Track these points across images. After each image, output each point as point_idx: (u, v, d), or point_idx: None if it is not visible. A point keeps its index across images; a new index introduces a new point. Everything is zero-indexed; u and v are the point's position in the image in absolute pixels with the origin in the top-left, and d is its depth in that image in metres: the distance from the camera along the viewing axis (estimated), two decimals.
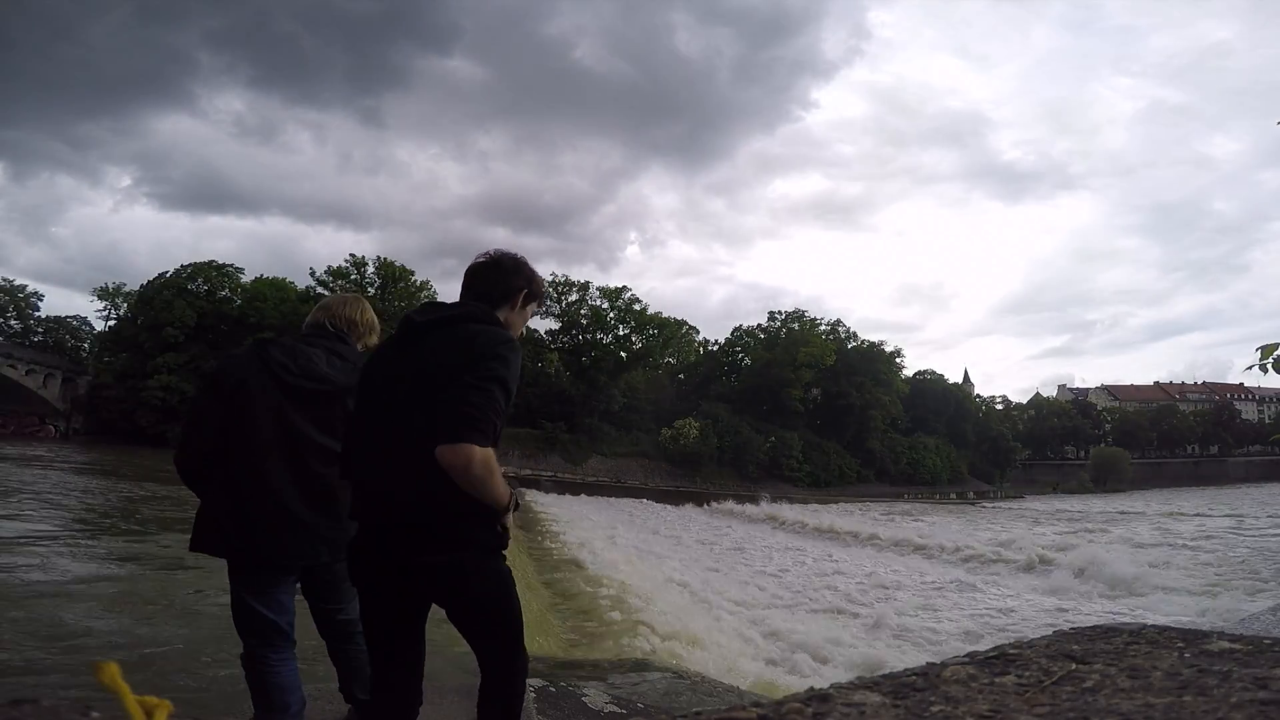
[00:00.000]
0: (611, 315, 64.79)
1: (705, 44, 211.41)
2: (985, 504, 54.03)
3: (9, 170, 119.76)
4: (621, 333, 65.56)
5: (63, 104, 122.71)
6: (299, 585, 2.49)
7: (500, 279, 2.01)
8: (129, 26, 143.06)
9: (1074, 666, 0.57)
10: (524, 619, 1.94)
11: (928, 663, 0.61)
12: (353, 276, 58.96)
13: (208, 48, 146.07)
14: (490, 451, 1.71)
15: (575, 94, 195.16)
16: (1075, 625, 0.73)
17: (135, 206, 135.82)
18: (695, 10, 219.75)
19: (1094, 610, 11.78)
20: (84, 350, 62.07)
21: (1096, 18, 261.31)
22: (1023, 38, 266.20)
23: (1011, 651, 0.63)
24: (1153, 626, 0.68)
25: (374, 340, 2.69)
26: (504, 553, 1.85)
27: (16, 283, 62.29)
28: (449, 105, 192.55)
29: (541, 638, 6.24)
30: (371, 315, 2.73)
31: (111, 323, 59.18)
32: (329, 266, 59.33)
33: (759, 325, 70.23)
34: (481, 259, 2.05)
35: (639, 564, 14.96)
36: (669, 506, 41.28)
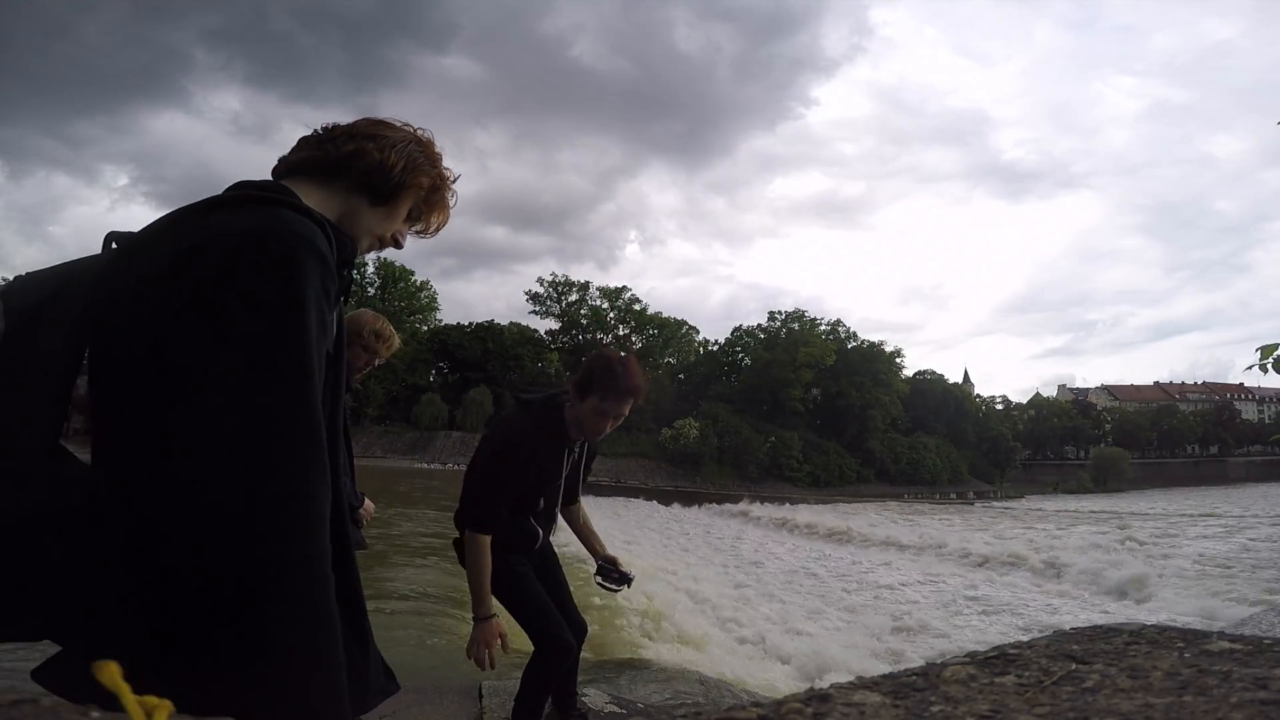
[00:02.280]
0: (611, 315, 64.93)
1: (705, 40, 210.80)
2: (985, 503, 53.97)
3: (5, 169, 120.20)
4: (621, 333, 65.64)
5: (57, 102, 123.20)
6: None
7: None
8: (124, 23, 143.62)
9: (1074, 666, 0.56)
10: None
11: (927, 663, 0.61)
12: (353, 276, 58.92)
13: (203, 45, 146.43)
14: (471, 536, 2.35)
15: (574, 91, 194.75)
16: (1076, 625, 0.73)
17: (132, 205, 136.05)
18: (694, 6, 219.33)
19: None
20: None
21: (1098, 16, 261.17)
22: (1025, 36, 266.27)
23: (1011, 651, 0.63)
24: (1153, 626, 0.68)
25: (375, 345, 2.75)
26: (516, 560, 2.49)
27: None
28: (446, 103, 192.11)
29: None
30: (365, 323, 2.74)
31: None
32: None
33: (759, 325, 70.39)
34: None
35: (639, 564, 14.97)
36: (672, 507, 41.30)
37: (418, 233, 1.17)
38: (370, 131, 1.06)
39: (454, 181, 1.15)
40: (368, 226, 1.07)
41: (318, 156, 1.04)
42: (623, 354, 2.43)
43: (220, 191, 0.95)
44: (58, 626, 0.83)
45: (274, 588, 0.77)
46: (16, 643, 0.83)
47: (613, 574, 2.74)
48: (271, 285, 0.81)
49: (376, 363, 2.78)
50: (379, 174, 1.04)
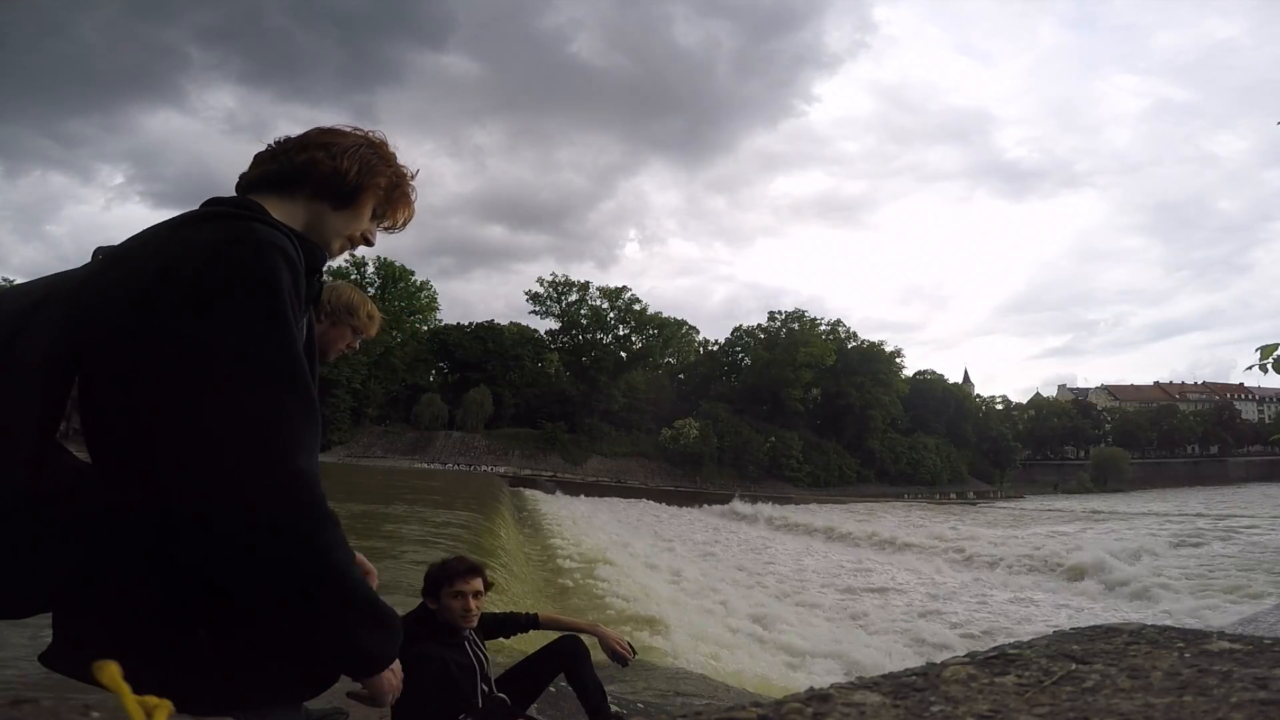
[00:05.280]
0: (611, 315, 64.84)
1: (704, 36, 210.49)
2: (988, 504, 53.94)
3: (1, 168, 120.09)
4: (621, 333, 65.61)
5: (52, 101, 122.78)
6: None
7: None
8: (119, 22, 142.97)
9: (1074, 666, 0.57)
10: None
11: (928, 663, 0.61)
12: (353, 276, 58.92)
13: (198, 43, 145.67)
14: None
15: (572, 88, 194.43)
16: (1076, 625, 0.73)
17: (128, 204, 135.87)
18: (694, 2, 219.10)
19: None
20: None
21: (1101, 15, 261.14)
22: (1028, 35, 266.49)
23: (1011, 651, 0.64)
24: (1153, 626, 0.69)
25: (368, 326, 2.28)
26: None
27: (16, 282, 62.23)
28: (444, 100, 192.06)
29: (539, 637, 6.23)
30: (358, 304, 2.32)
31: None
32: (328, 266, 59.21)
33: (759, 325, 70.35)
34: None
35: (638, 564, 14.96)
36: (673, 507, 41.27)
37: (386, 229, 1.22)
38: (320, 140, 1.11)
39: (413, 177, 1.20)
40: (335, 230, 1.12)
41: (273, 170, 1.09)
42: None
43: (211, 191, 1.04)
44: (52, 606, 0.91)
45: (314, 544, 0.87)
46: (10, 619, 0.90)
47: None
48: (252, 286, 0.89)
49: (356, 345, 2.37)
50: (335, 180, 1.09)
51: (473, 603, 2.69)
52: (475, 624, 2.76)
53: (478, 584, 2.72)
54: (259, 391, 0.86)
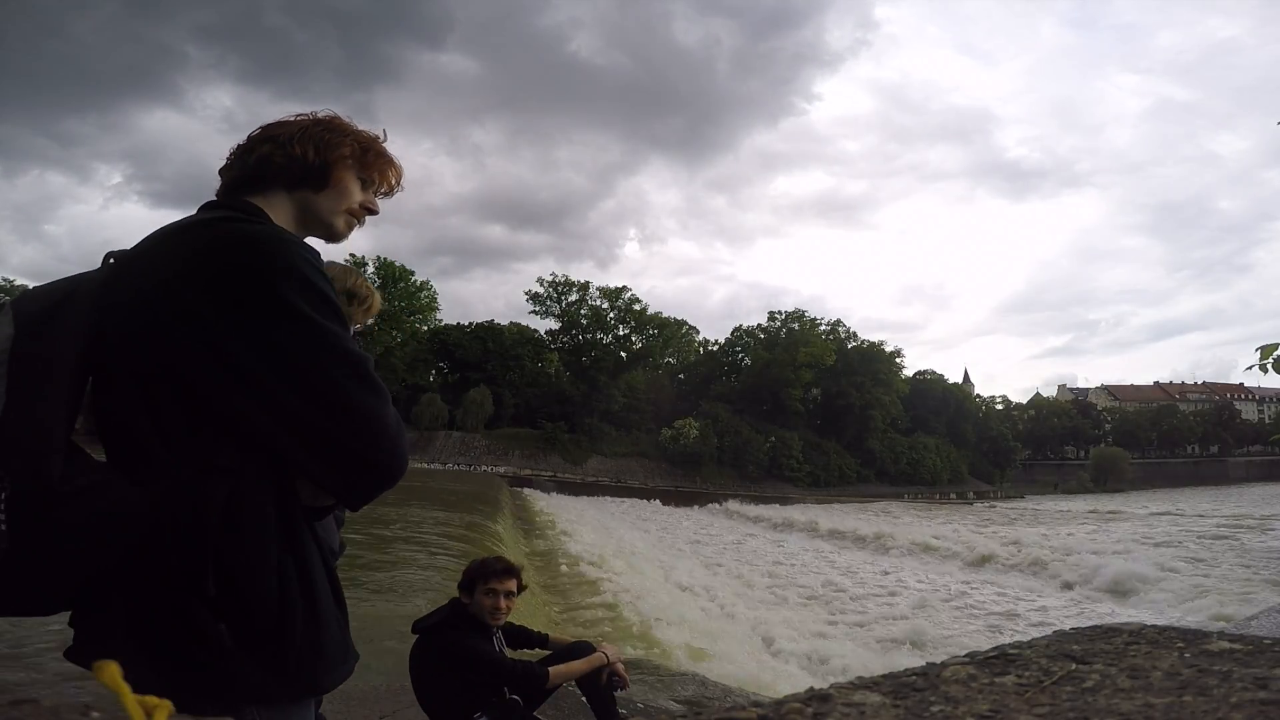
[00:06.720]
0: (611, 315, 64.83)
1: (704, 34, 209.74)
2: (987, 504, 53.90)
3: None
4: (621, 333, 65.59)
5: (49, 100, 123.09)
6: None
7: None
8: (116, 21, 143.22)
9: (1074, 666, 0.57)
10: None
11: (928, 663, 0.62)
12: None
13: (196, 42, 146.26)
14: None
15: (571, 87, 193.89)
16: (1076, 625, 0.74)
17: (126, 204, 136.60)
18: (693, 0, 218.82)
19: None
20: None
21: (1102, 14, 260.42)
22: (1028, 34, 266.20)
23: (1011, 651, 0.64)
24: (1153, 626, 0.69)
25: (351, 309, 2.09)
26: None
27: (17, 282, 62.19)
28: (442, 99, 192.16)
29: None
30: (334, 279, 2.09)
31: None
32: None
33: (759, 325, 70.35)
34: None
35: (638, 565, 14.96)
36: (673, 507, 41.22)
37: (384, 195, 1.21)
38: (264, 136, 1.10)
39: (383, 140, 1.18)
40: (330, 210, 1.12)
41: (230, 180, 1.10)
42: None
43: (210, 191, 1.06)
44: (75, 603, 0.92)
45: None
46: (39, 616, 0.92)
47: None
48: (300, 277, 0.93)
49: (353, 330, 2.09)
50: (297, 166, 1.08)
51: (504, 602, 2.74)
52: (502, 623, 2.81)
53: (512, 585, 2.77)
54: (338, 361, 0.93)
